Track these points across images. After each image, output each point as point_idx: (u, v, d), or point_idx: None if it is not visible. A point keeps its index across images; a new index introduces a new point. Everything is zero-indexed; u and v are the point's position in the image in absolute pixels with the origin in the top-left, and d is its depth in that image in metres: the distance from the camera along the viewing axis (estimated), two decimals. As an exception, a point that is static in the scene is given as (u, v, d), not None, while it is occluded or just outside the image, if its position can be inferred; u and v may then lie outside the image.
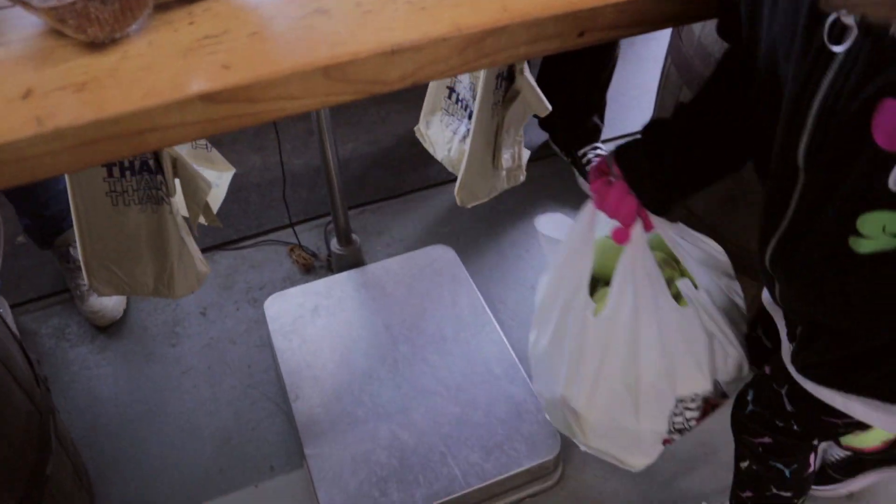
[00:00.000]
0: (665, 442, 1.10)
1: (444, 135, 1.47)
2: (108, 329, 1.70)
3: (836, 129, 0.61)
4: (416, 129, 1.50)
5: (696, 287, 1.03)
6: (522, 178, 1.42)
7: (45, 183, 1.60)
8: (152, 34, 0.65)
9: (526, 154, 1.43)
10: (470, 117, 1.38)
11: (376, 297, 1.59)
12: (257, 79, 0.60)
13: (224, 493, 1.43)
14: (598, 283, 1.11)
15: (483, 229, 1.87)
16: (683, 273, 1.07)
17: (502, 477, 1.32)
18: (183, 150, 1.27)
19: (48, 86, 0.60)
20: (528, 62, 1.23)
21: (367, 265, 1.66)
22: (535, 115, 1.30)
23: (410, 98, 2.20)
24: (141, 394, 1.59)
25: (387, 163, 2.04)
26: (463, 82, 1.39)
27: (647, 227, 0.94)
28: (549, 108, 1.28)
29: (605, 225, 0.98)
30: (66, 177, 1.13)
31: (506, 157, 1.37)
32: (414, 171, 2.02)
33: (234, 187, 1.42)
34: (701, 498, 1.38)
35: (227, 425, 1.53)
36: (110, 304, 1.69)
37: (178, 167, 1.25)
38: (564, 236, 1.06)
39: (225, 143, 2.02)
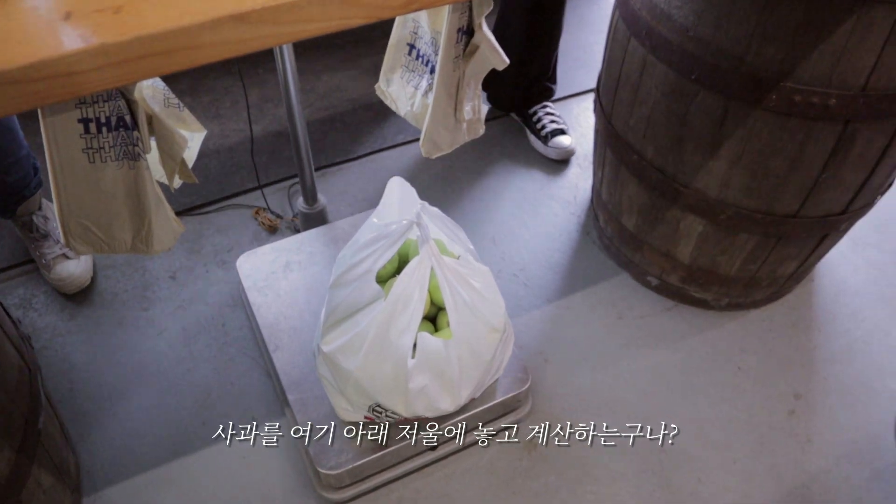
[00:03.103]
0: (366, 417, 1.33)
1: (406, 91, 1.53)
2: (76, 297, 1.70)
3: None
4: (376, 87, 1.55)
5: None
6: (482, 130, 1.50)
7: (7, 148, 1.58)
8: (173, -35, 0.70)
9: (485, 108, 1.51)
10: (432, 72, 1.44)
11: (347, 251, 1.64)
12: (282, 1, 0.66)
13: (208, 445, 1.47)
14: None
15: (440, 187, 1.94)
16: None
17: (477, 410, 1.41)
18: (156, 108, 1.30)
19: (86, 9, 0.64)
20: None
21: (335, 221, 1.71)
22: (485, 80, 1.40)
23: (363, 65, 2.27)
24: (116, 356, 1.60)
25: (343, 127, 2.09)
26: (423, 38, 1.46)
27: None
28: (507, 61, 1.36)
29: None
30: (43, 134, 1.15)
31: (467, 110, 1.44)
32: (370, 135, 2.07)
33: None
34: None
35: (205, 381, 1.56)
36: (77, 271, 1.69)
37: (154, 123, 1.28)
38: (398, 204, 1.32)
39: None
